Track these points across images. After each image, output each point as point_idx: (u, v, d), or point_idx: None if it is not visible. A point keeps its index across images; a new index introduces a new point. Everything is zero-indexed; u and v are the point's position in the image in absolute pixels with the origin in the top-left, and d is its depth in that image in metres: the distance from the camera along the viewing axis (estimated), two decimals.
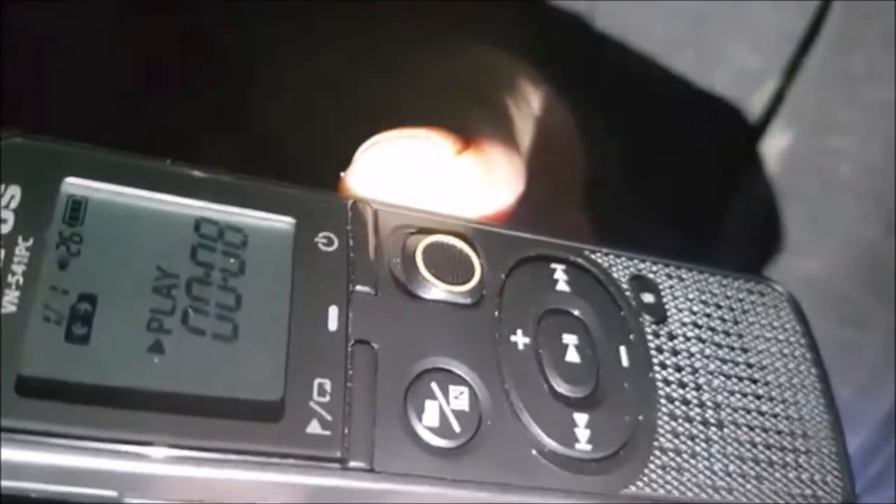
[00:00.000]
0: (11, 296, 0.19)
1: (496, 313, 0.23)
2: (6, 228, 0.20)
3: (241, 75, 0.36)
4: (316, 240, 0.22)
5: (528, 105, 0.31)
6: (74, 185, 0.21)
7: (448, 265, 0.23)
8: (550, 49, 0.42)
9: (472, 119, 0.26)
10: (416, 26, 0.34)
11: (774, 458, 0.23)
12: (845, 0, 0.38)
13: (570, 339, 0.23)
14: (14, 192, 0.20)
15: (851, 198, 0.41)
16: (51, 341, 0.19)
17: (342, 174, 0.24)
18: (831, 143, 0.41)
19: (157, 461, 0.19)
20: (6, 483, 0.18)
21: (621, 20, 0.42)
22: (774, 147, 0.41)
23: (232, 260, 0.22)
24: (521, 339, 0.23)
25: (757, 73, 0.41)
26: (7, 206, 0.20)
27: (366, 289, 0.22)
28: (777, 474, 0.23)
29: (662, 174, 0.44)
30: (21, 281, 0.19)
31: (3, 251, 0.19)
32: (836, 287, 0.43)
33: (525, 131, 0.30)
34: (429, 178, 0.24)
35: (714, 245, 0.45)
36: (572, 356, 0.23)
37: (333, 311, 0.21)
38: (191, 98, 0.36)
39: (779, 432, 0.24)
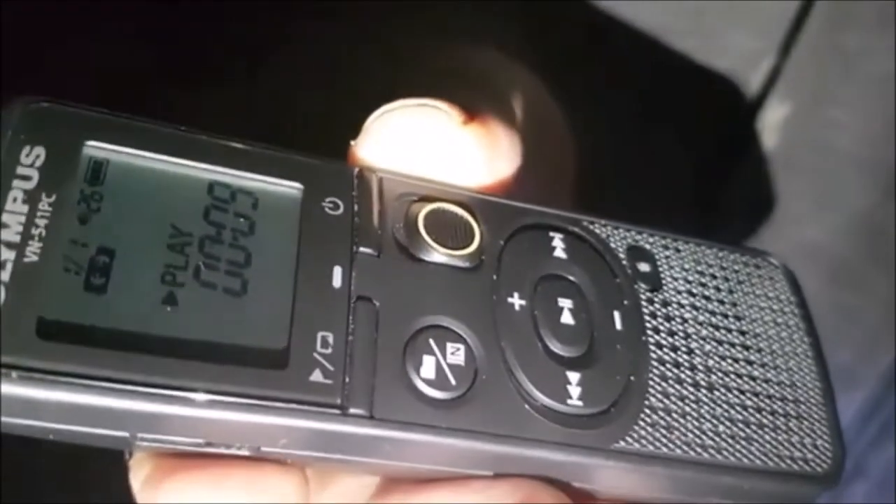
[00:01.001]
0: (35, 246, 0.20)
1: (494, 276, 0.24)
2: (31, 185, 0.21)
3: (250, 56, 0.37)
4: (322, 204, 0.24)
5: (524, 100, 0.32)
6: (96, 147, 0.22)
7: (449, 231, 0.24)
8: (551, 44, 0.43)
9: (472, 99, 0.28)
10: (412, 25, 0.35)
11: (765, 420, 0.24)
12: None
13: (565, 303, 0.24)
14: (39, 152, 0.22)
15: (849, 167, 0.43)
16: (70, 289, 0.20)
17: (351, 142, 0.26)
18: (828, 115, 0.42)
19: (167, 402, 0.20)
20: (27, 421, 0.20)
21: (622, 12, 0.44)
22: (773, 121, 0.43)
23: (242, 221, 0.23)
24: (517, 300, 0.24)
25: (755, 53, 0.43)
26: (32, 165, 0.21)
27: (369, 250, 0.23)
28: (767, 437, 0.24)
29: (665, 153, 0.46)
30: (44, 233, 0.21)
31: (27, 206, 0.21)
32: (836, 253, 0.44)
33: (520, 122, 0.31)
34: (435, 147, 0.25)
35: (716, 215, 0.46)
36: (567, 318, 0.24)
37: (338, 270, 0.22)
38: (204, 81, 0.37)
39: (769, 396, 0.25)
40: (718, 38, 0.44)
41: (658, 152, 0.46)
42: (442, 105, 0.25)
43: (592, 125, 0.43)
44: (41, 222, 0.21)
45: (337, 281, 0.22)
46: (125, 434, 0.20)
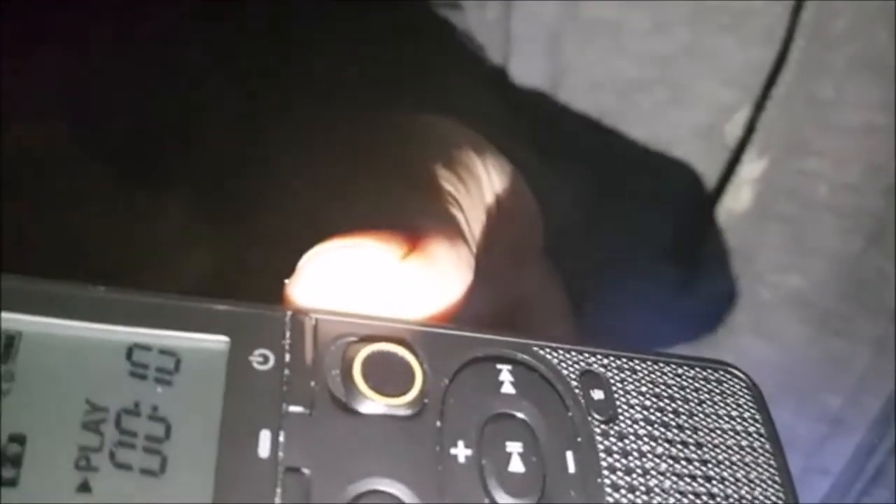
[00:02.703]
0: None
1: (438, 423, 0.23)
2: None
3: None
4: (251, 358, 0.22)
5: (483, 171, 0.31)
6: (7, 319, 0.21)
7: (388, 375, 0.23)
8: (517, 108, 0.42)
9: (414, 210, 0.26)
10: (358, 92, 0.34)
11: None
12: (809, 29, 0.40)
13: (514, 447, 0.23)
14: None
15: (830, 215, 0.42)
16: None
17: (285, 281, 0.24)
18: (805, 165, 0.42)
19: None
20: None
21: (591, 68, 0.43)
22: (750, 172, 0.42)
23: (162, 388, 0.22)
24: (462, 451, 0.22)
25: (728, 105, 0.42)
26: None
27: (299, 409, 0.22)
28: None
29: (640, 208, 0.45)
30: None
31: None
32: (821, 301, 0.43)
33: (477, 201, 0.30)
34: (374, 286, 0.24)
35: (697, 270, 0.45)
36: (516, 465, 0.23)
37: (265, 436, 0.21)
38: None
39: None
40: (690, 88, 0.43)
41: (632, 209, 0.45)
42: (378, 241, 0.24)
43: (565, 177, 0.42)
44: None
45: (264, 450, 0.21)
46: None
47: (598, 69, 0.44)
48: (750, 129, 0.42)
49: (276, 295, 0.25)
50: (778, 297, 0.45)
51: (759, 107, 0.41)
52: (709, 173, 0.44)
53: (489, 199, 0.30)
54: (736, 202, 0.43)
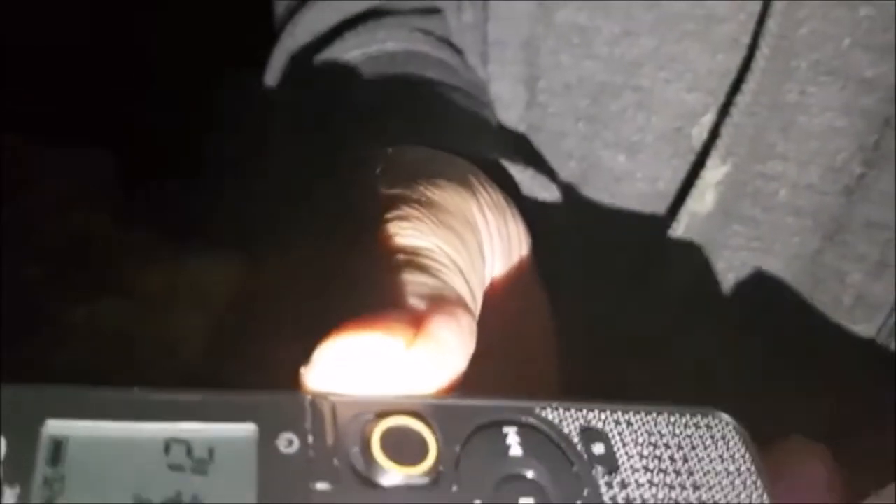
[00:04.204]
0: None
1: (454, 488, 0.25)
2: None
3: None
4: (277, 442, 0.24)
5: (480, 215, 0.33)
6: (54, 426, 0.23)
7: (405, 447, 0.25)
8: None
9: (415, 290, 0.28)
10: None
11: None
12: (773, 36, 0.41)
13: (527, 502, 0.25)
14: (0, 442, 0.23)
15: (791, 216, 0.43)
16: None
17: (301, 370, 0.27)
18: (768, 168, 0.43)
19: None
20: None
21: (564, 71, 0.45)
22: (714, 176, 0.43)
23: (199, 477, 0.24)
24: None
25: (695, 110, 0.44)
26: None
27: (325, 486, 0.24)
28: None
29: (604, 215, 0.46)
30: None
31: None
32: (781, 299, 0.44)
33: (475, 257, 0.31)
34: (383, 372, 0.26)
35: (662, 271, 0.46)
36: None
37: None
38: None
39: None
40: (657, 93, 0.45)
41: (597, 212, 0.47)
42: (386, 330, 0.26)
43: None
44: None
45: None
46: None
47: (571, 73, 0.46)
48: (714, 133, 0.43)
49: (283, 382, 0.27)
50: (738, 298, 0.46)
51: (724, 112, 0.43)
52: (675, 177, 0.45)
53: (487, 248, 0.32)
54: (700, 205, 0.44)
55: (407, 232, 0.30)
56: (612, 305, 0.45)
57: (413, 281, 0.28)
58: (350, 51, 0.46)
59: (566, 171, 0.47)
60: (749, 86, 0.42)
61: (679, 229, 0.44)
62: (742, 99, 0.42)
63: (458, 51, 0.49)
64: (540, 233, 0.38)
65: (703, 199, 0.44)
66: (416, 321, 0.27)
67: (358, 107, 0.44)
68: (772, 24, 0.41)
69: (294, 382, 0.26)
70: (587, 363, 0.41)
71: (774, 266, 0.45)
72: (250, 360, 0.34)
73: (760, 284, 0.45)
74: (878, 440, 0.36)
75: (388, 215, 0.31)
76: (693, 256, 0.45)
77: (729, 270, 0.45)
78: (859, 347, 0.43)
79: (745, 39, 0.43)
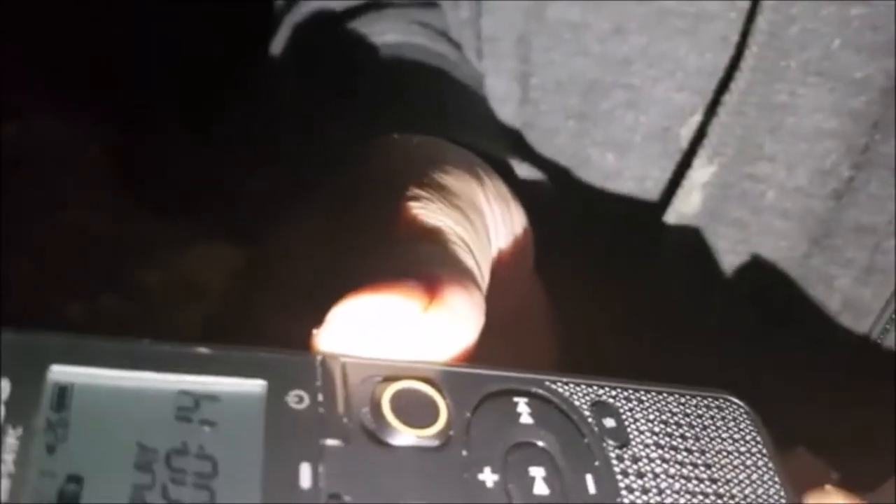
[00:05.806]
0: (5, 484, 0.21)
1: (464, 452, 0.24)
2: None
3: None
4: (287, 399, 0.24)
5: (485, 202, 0.32)
6: (60, 372, 0.23)
7: (415, 410, 0.25)
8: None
9: (431, 260, 0.28)
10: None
11: None
12: (763, 35, 0.41)
13: (537, 472, 0.24)
14: (3, 384, 0.22)
15: (778, 219, 0.43)
16: None
17: (314, 331, 0.26)
18: (756, 170, 0.43)
19: None
20: None
21: (556, 68, 0.45)
22: (701, 177, 0.43)
23: (208, 428, 0.23)
24: (489, 476, 0.24)
25: (683, 109, 0.43)
26: None
27: (335, 442, 0.23)
28: None
29: (593, 213, 0.46)
30: (13, 470, 0.21)
31: None
32: (769, 302, 0.44)
33: (483, 239, 0.31)
34: (397, 335, 0.26)
35: (650, 272, 0.46)
36: (541, 488, 0.24)
37: (305, 468, 0.23)
38: None
39: None
40: (646, 91, 0.44)
41: (586, 211, 0.46)
42: (402, 293, 0.26)
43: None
44: (9, 457, 0.21)
45: (305, 481, 0.23)
46: None
47: (562, 70, 0.45)
48: (701, 133, 0.43)
49: (298, 343, 0.26)
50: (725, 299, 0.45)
51: (712, 112, 0.42)
52: (663, 177, 0.45)
53: (492, 232, 0.32)
54: (686, 205, 0.44)
55: (418, 211, 0.30)
56: (600, 303, 0.45)
57: (427, 251, 0.28)
58: (351, 41, 0.46)
59: (557, 169, 0.47)
60: (737, 84, 0.41)
61: (669, 230, 0.44)
62: (730, 98, 0.42)
63: (456, 45, 0.49)
64: (534, 226, 0.38)
65: (689, 199, 0.43)
66: (432, 289, 0.27)
67: (359, 97, 0.44)
68: (762, 21, 0.40)
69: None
70: (575, 361, 0.41)
71: (763, 269, 0.44)
72: (260, 331, 0.33)
73: (747, 285, 0.45)
74: (876, 440, 0.35)
75: (399, 195, 0.31)
76: (681, 258, 0.45)
77: (716, 272, 0.45)
78: (849, 348, 0.42)
79: (735, 37, 0.42)
